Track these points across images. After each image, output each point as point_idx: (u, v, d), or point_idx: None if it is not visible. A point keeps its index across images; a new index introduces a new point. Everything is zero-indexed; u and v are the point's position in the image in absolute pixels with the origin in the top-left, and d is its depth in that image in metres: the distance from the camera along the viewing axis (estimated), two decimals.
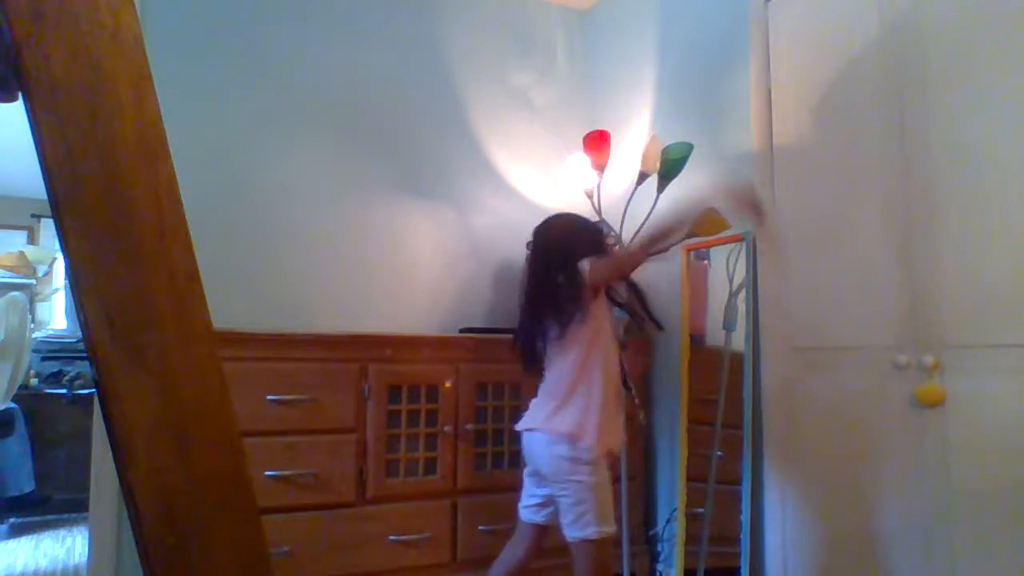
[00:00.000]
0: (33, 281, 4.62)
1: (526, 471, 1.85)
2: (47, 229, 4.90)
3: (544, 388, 1.80)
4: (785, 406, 2.11)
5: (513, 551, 1.85)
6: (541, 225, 1.92)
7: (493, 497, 2.27)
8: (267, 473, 1.98)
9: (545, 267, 1.80)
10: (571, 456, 1.65)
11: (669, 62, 2.74)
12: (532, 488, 1.82)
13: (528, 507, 1.83)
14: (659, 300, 2.64)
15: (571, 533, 1.65)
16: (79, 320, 0.69)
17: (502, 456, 2.32)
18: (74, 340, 4.29)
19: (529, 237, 2.71)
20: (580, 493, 1.64)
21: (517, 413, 2.32)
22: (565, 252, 1.76)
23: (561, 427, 1.67)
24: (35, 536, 3.41)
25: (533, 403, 1.81)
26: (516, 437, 2.31)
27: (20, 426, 3.56)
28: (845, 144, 1.98)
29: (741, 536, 2.14)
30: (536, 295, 1.81)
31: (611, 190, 2.75)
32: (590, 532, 1.63)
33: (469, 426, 2.27)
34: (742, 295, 2.25)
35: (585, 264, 1.69)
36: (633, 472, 2.44)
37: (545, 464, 1.71)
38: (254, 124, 2.55)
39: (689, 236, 2.10)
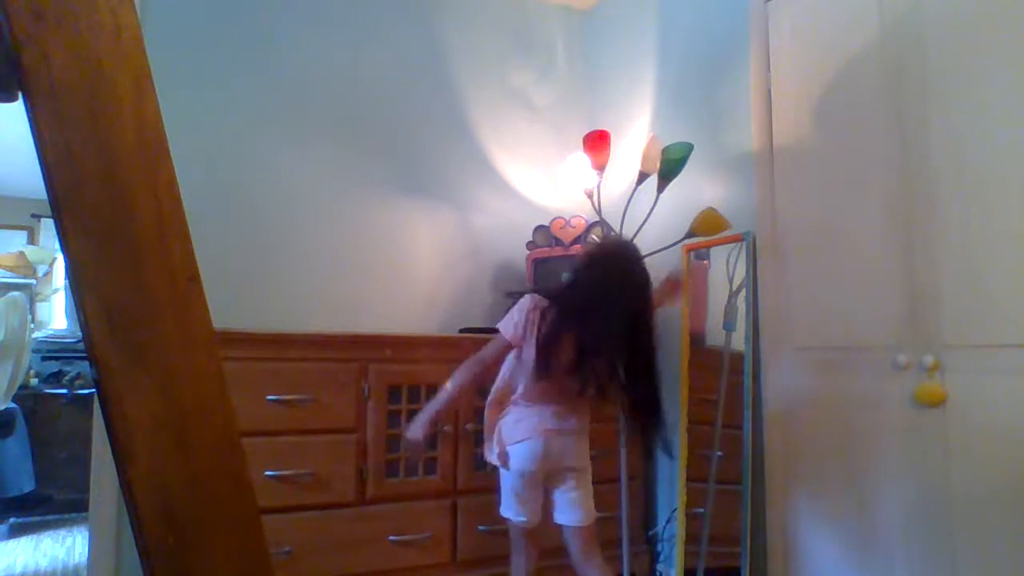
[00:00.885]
0: (33, 281, 4.61)
1: (531, 478, 1.80)
2: (47, 229, 4.90)
3: (563, 397, 1.80)
4: (785, 406, 2.12)
5: (529, 561, 1.88)
6: (636, 263, 1.80)
7: (493, 497, 2.27)
8: (267, 473, 1.98)
9: (644, 317, 1.77)
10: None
11: (669, 62, 2.74)
12: (534, 493, 1.83)
13: (536, 511, 1.84)
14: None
15: (591, 517, 1.82)
16: (79, 320, 0.69)
17: None
18: (74, 340, 4.29)
19: (529, 237, 2.73)
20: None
21: None
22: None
23: (585, 428, 1.86)
24: (35, 536, 3.40)
25: (550, 411, 1.79)
26: None
27: (20, 426, 3.56)
28: (845, 144, 1.98)
29: (741, 536, 2.14)
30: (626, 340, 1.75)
31: (611, 190, 2.75)
32: (594, 515, 1.84)
33: (469, 426, 2.27)
34: (742, 295, 2.25)
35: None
36: (633, 472, 2.44)
37: (579, 460, 1.83)
38: (254, 124, 2.56)
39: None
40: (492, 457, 1.86)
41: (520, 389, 1.83)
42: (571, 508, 1.81)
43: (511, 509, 1.84)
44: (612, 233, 2.41)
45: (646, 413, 1.76)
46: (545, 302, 1.80)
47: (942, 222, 1.71)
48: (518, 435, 1.79)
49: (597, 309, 1.71)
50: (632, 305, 1.73)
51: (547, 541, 1.88)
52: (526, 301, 1.83)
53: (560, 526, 1.84)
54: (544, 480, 1.83)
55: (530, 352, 1.78)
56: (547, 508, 1.85)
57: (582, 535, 1.81)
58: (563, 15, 3.23)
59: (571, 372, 1.73)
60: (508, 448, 1.80)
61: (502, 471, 1.85)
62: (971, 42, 1.68)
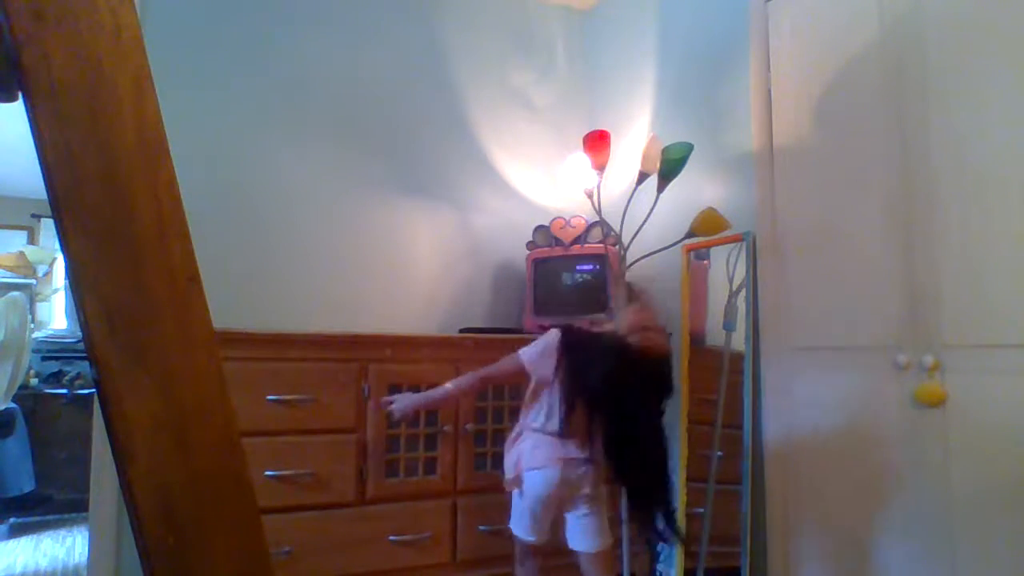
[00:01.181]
0: (33, 281, 4.62)
1: (546, 503, 1.80)
2: (47, 229, 4.90)
3: (580, 431, 1.78)
4: (785, 406, 2.12)
5: (533, 572, 1.92)
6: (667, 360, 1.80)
7: (493, 497, 2.27)
8: (267, 473, 1.98)
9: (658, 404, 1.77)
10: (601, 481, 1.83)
11: (669, 62, 2.74)
12: (546, 517, 1.83)
13: (545, 532, 1.84)
14: (660, 300, 2.66)
15: (606, 542, 1.81)
16: (79, 320, 0.68)
17: (502, 456, 2.31)
18: (74, 340, 4.29)
19: (529, 237, 2.74)
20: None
21: (516, 413, 2.32)
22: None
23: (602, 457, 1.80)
24: (35, 536, 3.41)
25: (565, 443, 1.77)
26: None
27: (20, 426, 3.56)
28: (845, 144, 1.98)
29: (741, 536, 2.14)
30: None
31: (611, 190, 2.75)
32: (610, 539, 1.84)
33: (469, 426, 2.27)
34: (742, 295, 2.25)
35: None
36: None
37: (594, 487, 1.80)
38: (254, 124, 2.56)
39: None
40: (508, 476, 1.86)
41: (537, 419, 1.82)
42: (584, 534, 1.80)
43: (521, 528, 1.84)
44: (613, 231, 2.39)
45: (644, 502, 1.75)
46: (562, 346, 1.78)
47: (942, 222, 1.71)
48: (535, 462, 1.78)
49: (607, 400, 1.72)
50: (640, 405, 1.72)
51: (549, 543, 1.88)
52: (553, 338, 1.81)
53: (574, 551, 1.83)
54: (558, 505, 1.82)
55: (549, 390, 1.80)
56: (560, 531, 1.85)
57: (596, 561, 1.80)
58: (563, 15, 3.22)
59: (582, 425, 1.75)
60: (524, 474, 1.80)
61: (515, 491, 1.85)
62: (971, 42, 1.68)
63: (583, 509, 1.80)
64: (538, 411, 1.83)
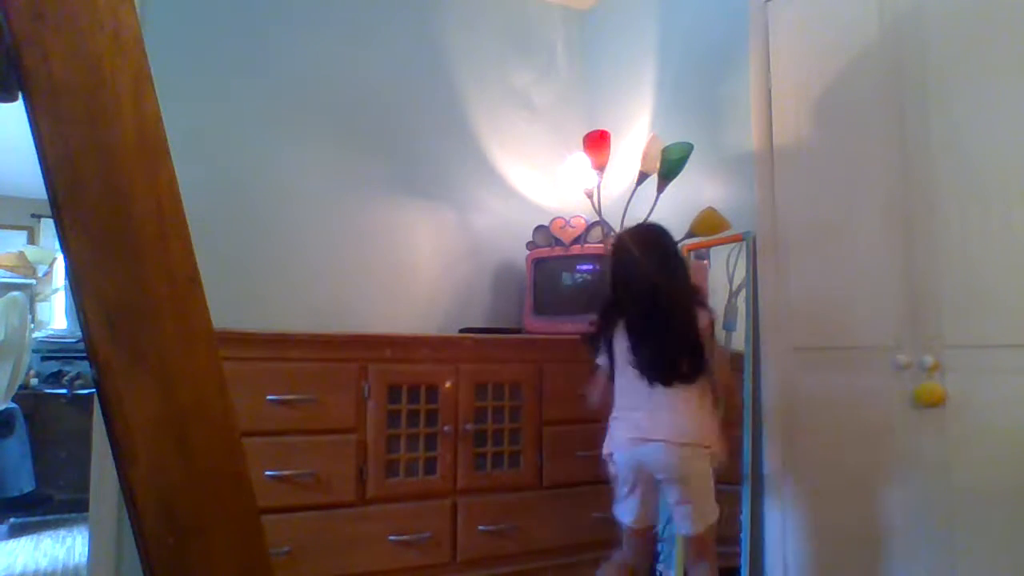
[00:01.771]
0: (33, 281, 4.62)
1: (633, 485, 1.81)
2: (47, 229, 4.90)
3: (649, 401, 1.78)
4: (785, 406, 2.12)
5: (630, 556, 1.90)
6: (657, 248, 1.85)
7: (493, 497, 2.27)
8: (267, 473, 1.98)
9: (678, 304, 1.79)
10: (710, 463, 1.79)
11: (669, 62, 2.74)
12: (637, 497, 1.83)
13: (641, 516, 1.84)
14: None
15: (701, 524, 1.78)
16: (79, 320, 0.69)
17: (502, 456, 2.32)
18: (74, 340, 4.29)
19: (529, 237, 2.74)
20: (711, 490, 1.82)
21: (516, 413, 2.33)
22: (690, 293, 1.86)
23: (704, 439, 1.77)
24: (35, 536, 3.41)
25: (638, 416, 1.78)
26: (514, 438, 2.32)
27: (20, 426, 3.56)
28: (845, 144, 1.98)
29: (741, 536, 2.14)
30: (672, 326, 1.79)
31: (611, 190, 2.75)
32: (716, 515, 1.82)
33: (469, 426, 2.27)
34: (742, 295, 2.25)
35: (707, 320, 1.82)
36: None
37: (681, 467, 1.75)
38: (254, 124, 2.55)
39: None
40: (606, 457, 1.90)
41: (613, 402, 1.89)
42: (679, 519, 1.81)
43: (618, 509, 1.87)
44: (613, 231, 2.41)
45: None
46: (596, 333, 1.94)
47: (942, 221, 1.71)
48: (614, 443, 1.84)
49: (624, 298, 1.85)
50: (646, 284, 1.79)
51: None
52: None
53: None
54: (658, 483, 1.82)
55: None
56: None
57: (690, 544, 1.82)
58: (563, 15, 3.22)
59: (636, 365, 1.79)
60: (614, 453, 1.84)
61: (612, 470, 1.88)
62: (971, 42, 1.68)
63: (676, 495, 1.77)
64: (611, 396, 1.90)
